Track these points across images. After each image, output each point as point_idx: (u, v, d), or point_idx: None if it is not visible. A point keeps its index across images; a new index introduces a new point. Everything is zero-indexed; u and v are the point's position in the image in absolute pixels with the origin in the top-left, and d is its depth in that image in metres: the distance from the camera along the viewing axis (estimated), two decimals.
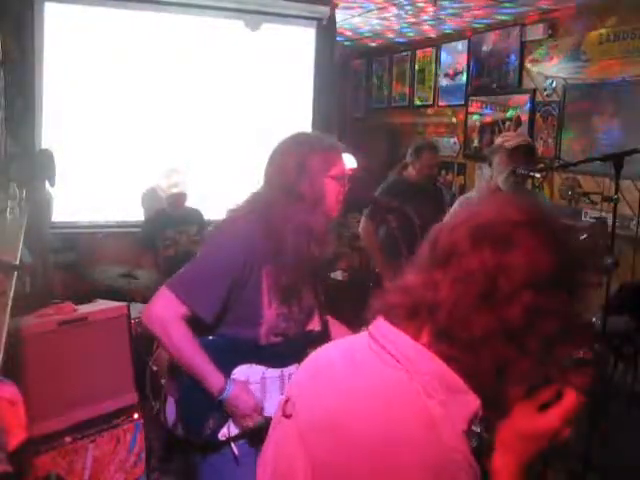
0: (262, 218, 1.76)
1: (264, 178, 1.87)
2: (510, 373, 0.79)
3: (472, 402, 0.80)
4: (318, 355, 0.99)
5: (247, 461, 1.74)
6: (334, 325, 2.04)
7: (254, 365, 1.81)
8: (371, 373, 0.84)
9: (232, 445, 1.77)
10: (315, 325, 1.98)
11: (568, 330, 0.80)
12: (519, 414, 0.83)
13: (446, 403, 0.78)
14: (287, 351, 1.84)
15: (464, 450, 0.77)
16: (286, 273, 1.76)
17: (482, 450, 0.81)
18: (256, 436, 1.77)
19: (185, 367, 1.72)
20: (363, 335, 0.93)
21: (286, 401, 0.94)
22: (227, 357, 1.75)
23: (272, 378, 1.83)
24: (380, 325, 0.88)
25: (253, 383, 1.80)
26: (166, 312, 1.70)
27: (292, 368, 1.85)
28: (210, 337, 1.77)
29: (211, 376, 1.71)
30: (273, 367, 1.83)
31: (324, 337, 1.94)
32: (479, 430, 0.82)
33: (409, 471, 0.73)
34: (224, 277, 1.72)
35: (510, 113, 5.23)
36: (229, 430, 1.76)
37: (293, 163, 1.78)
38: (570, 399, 0.83)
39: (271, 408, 1.77)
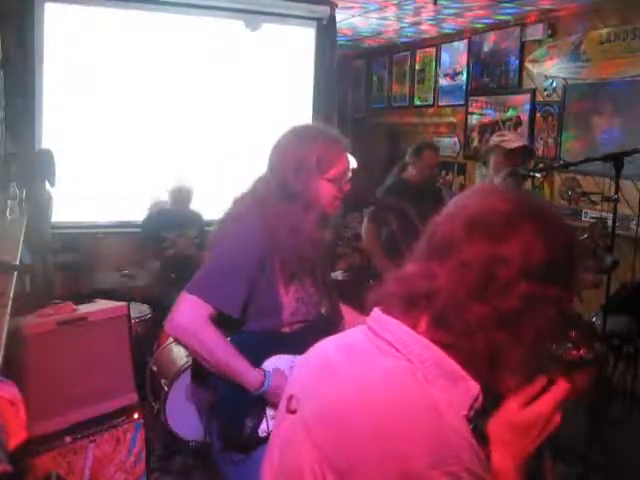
0: (261, 212, 1.76)
1: (267, 166, 1.85)
2: (504, 361, 0.80)
3: (472, 388, 0.81)
4: (315, 351, 1.01)
5: None
6: (346, 310, 2.04)
7: (282, 355, 1.79)
8: (372, 363, 0.85)
9: None
10: (325, 307, 1.98)
11: (561, 320, 0.82)
12: (508, 406, 0.84)
13: (447, 389, 0.80)
14: (309, 335, 1.83)
15: (467, 433, 0.78)
16: (289, 263, 1.76)
17: (479, 436, 0.81)
18: None
19: (220, 368, 1.69)
20: (358, 329, 0.94)
21: (289, 398, 0.95)
22: (253, 352, 1.73)
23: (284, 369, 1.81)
24: (377, 317, 0.90)
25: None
26: (193, 317, 1.67)
27: None
28: (231, 336, 1.75)
29: (249, 372, 1.69)
30: (299, 354, 1.82)
31: (336, 318, 1.95)
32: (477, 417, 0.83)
33: (414, 455, 0.74)
34: (243, 271, 1.71)
35: (510, 113, 5.23)
36: (268, 425, 1.74)
37: (292, 160, 1.76)
38: (559, 386, 0.84)
39: None
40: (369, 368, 0.84)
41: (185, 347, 1.74)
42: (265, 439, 1.74)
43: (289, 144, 1.80)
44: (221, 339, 1.69)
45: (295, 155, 1.76)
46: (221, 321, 1.72)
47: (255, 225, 1.74)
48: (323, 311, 1.98)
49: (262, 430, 1.74)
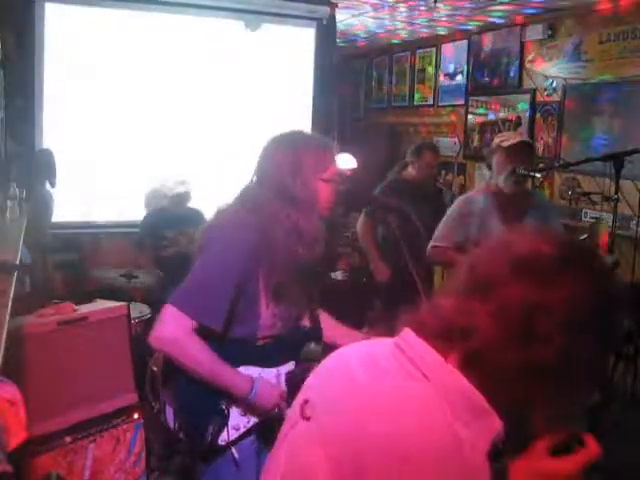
0: (254, 218, 1.74)
1: (256, 174, 1.85)
2: (533, 410, 0.78)
3: (494, 423, 0.79)
4: (336, 359, 0.98)
5: (247, 464, 1.76)
6: (325, 319, 2.03)
7: (250, 367, 1.79)
8: (396, 383, 0.83)
9: (232, 449, 1.76)
10: (305, 321, 1.98)
11: (595, 374, 0.81)
12: (533, 452, 0.81)
13: (470, 423, 0.78)
14: (281, 350, 1.84)
15: (485, 470, 0.77)
16: (276, 273, 1.73)
17: (498, 475, 0.80)
18: (259, 437, 1.80)
19: (208, 379, 1.69)
20: (384, 343, 0.91)
21: (304, 402, 0.93)
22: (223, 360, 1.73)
23: (268, 378, 1.82)
24: (408, 337, 0.87)
25: None
26: (177, 331, 1.65)
27: (287, 366, 1.86)
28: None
29: (237, 380, 1.70)
30: (268, 367, 1.82)
31: (315, 332, 1.95)
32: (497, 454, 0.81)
33: None
34: (228, 285, 1.69)
35: (510, 113, 5.23)
36: (228, 435, 1.75)
37: (288, 163, 1.76)
38: (590, 449, 0.81)
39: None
40: (393, 388, 0.82)
41: (170, 359, 1.70)
42: (225, 448, 1.75)
43: (281, 149, 1.80)
44: (206, 350, 1.68)
45: (291, 159, 1.76)
46: (203, 330, 1.70)
47: (249, 231, 1.72)
48: (305, 324, 1.98)
49: (222, 439, 1.75)
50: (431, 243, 3.18)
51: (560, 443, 0.81)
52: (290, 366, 1.86)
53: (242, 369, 1.77)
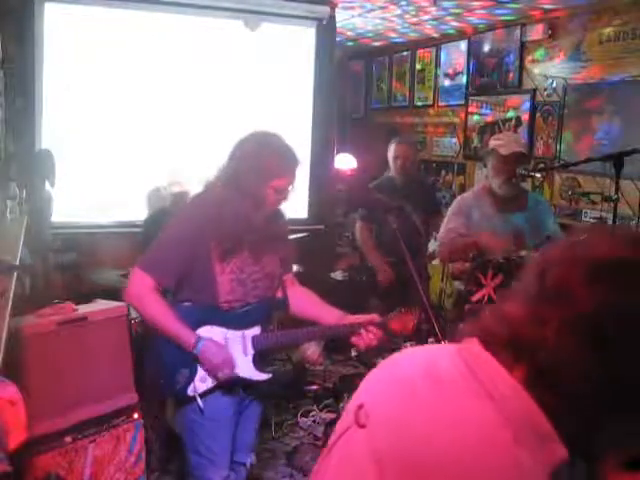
0: (212, 197, 2.07)
1: (231, 155, 2.12)
2: (608, 434, 0.72)
3: (559, 451, 0.73)
4: (396, 365, 0.93)
5: (213, 416, 2.07)
6: (301, 293, 2.33)
7: (215, 327, 2.05)
8: (459, 404, 0.78)
9: (198, 399, 2.03)
10: (280, 293, 2.27)
11: None
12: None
13: (534, 450, 0.72)
14: (248, 315, 2.10)
15: None
16: (225, 244, 2.02)
17: None
18: (226, 392, 2.09)
19: (161, 330, 2.01)
20: (448, 352, 0.85)
21: (359, 407, 0.88)
22: (190, 322, 2.01)
23: (234, 339, 2.07)
24: (475, 350, 0.81)
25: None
26: (138, 287, 2.02)
27: (253, 330, 2.11)
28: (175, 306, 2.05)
29: (183, 334, 1.99)
30: (234, 329, 2.08)
31: (283, 303, 2.27)
32: None
33: None
34: (181, 250, 2.01)
35: (510, 113, 5.23)
36: (195, 387, 2.04)
37: (253, 164, 2.03)
38: None
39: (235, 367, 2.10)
40: (455, 408, 0.77)
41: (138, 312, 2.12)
42: (192, 398, 2.05)
43: (254, 147, 2.08)
44: (161, 304, 2.01)
45: (257, 159, 2.04)
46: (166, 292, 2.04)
47: (204, 209, 2.06)
48: (276, 295, 2.25)
49: (190, 390, 2.04)
50: (437, 243, 3.17)
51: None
52: (255, 330, 2.11)
53: (208, 328, 2.05)
